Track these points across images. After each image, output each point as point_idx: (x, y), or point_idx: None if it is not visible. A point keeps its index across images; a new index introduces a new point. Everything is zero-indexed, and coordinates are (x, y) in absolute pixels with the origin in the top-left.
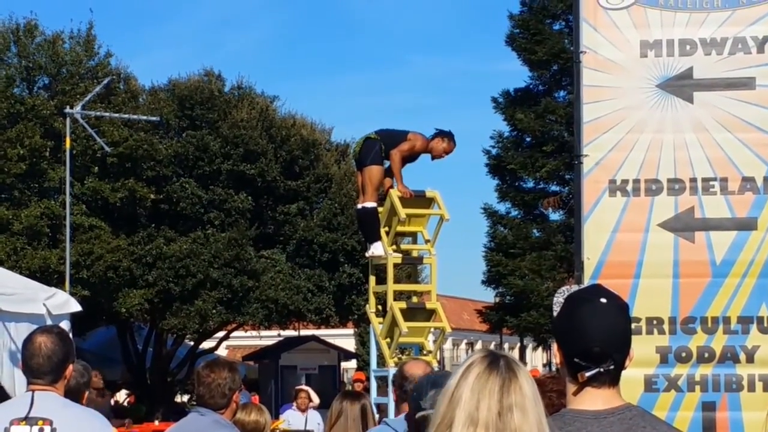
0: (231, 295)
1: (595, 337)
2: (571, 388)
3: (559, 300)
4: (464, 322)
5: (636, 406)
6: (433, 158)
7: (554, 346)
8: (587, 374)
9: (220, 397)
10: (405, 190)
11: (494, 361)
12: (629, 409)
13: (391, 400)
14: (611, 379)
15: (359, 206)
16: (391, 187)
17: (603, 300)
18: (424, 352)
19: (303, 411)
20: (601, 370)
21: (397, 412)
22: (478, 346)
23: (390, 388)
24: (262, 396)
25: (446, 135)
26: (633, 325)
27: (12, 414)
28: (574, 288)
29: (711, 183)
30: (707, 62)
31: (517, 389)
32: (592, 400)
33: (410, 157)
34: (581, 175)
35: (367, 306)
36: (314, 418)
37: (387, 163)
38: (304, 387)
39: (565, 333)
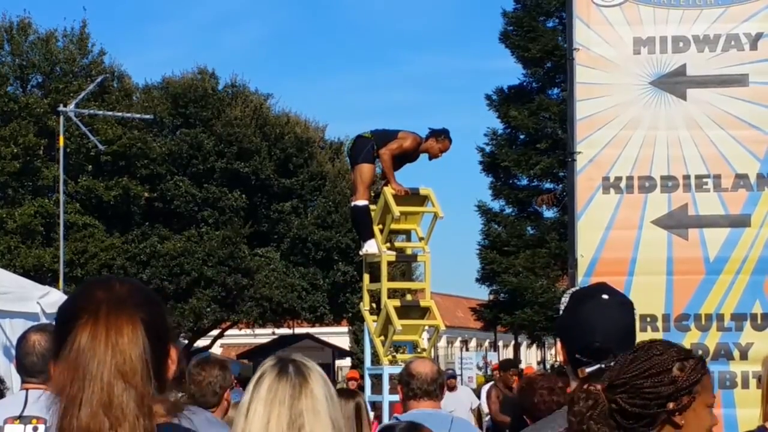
0: (225, 294)
1: (595, 333)
2: (573, 384)
3: (566, 299)
4: (458, 320)
5: None
6: (430, 158)
7: (559, 344)
8: (588, 370)
9: (211, 395)
10: (399, 188)
11: (283, 368)
12: None
13: (385, 399)
14: None
15: (352, 204)
16: (386, 184)
17: (605, 296)
18: (418, 350)
19: None
20: (602, 366)
21: (404, 410)
22: (473, 343)
23: (385, 386)
24: None
25: (441, 133)
26: None
27: (6, 413)
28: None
29: (704, 180)
30: (700, 59)
31: (308, 393)
32: None
33: (405, 157)
34: (575, 172)
35: (361, 304)
36: None
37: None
38: None
39: (568, 329)
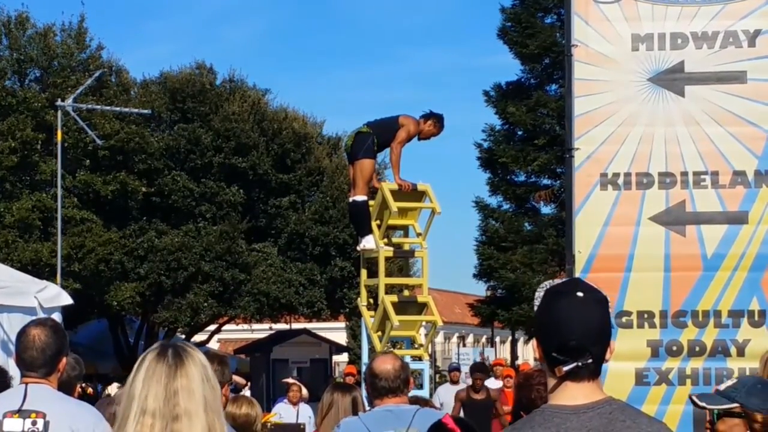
0: (222, 289)
1: (571, 331)
2: (550, 383)
3: (539, 295)
4: (455, 316)
5: (617, 400)
6: (420, 139)
7: (534, 341)
8: (565, 369)
9: None
10: (404, 183)
11: (162, 352)
12: (609, 403)
13: None
14: (590, 373)
15: (350, 200)
16: (379, 181)
17: (580, 294)
18: (416, 346)
19: (294, 404)
20: (579, 364)
21: (370, 407)
22: (470, 339)
23: None
24: (253, 389)
25: (438, 118)
26: (624, 319)
27: (5, 407)
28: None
29: (702, 177)
30: (699, 56)
31: (184, 374)
32: (572, 394)
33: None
34: (573, 169)
35: (359, 299)
36: (305, 412)
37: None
38: (292, 380)
39: (543, 327)
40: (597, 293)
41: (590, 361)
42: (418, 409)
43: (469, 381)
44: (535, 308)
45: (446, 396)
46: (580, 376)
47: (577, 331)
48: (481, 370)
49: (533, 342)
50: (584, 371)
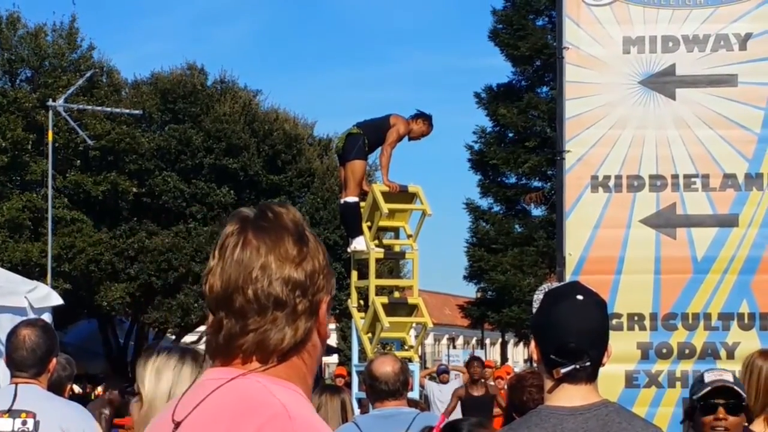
0: None
1: (570, 334)
2: (547, 384)
3: (538, 297)
4: (446, 317)
5: (613, 402)
6: (410, 139)
7: (532, 343)
8: (563, 370)
9: None
10: (392, 185)
11: (183, 354)
12: (605, 406)
13: None
14: (588, 376)
15: (341, 201)
16: (369, 183)
17: (579, 297)
18: (406, 347)
19: None
20: (577, 366)
21: (362, 409)
22: (460, 341)
23: None
24: None
25: (427, 118)
26: (614, 321)
27: None
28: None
29: (693, 179)
30: (690, 59)
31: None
32: (569, 396)
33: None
34: (563, 171)
35: (349, 301)
36: None
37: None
38: None
39: (542, 329)
40: (596, 296)
41: (588, 363)
42: (418, 413)
43: (458, 382)
44: (534, 311)
45: (439, 395)
46: (578, 379)
47: (576, 333)
48: (478, 359)
49: (531, 343)
50: (582, 373)
